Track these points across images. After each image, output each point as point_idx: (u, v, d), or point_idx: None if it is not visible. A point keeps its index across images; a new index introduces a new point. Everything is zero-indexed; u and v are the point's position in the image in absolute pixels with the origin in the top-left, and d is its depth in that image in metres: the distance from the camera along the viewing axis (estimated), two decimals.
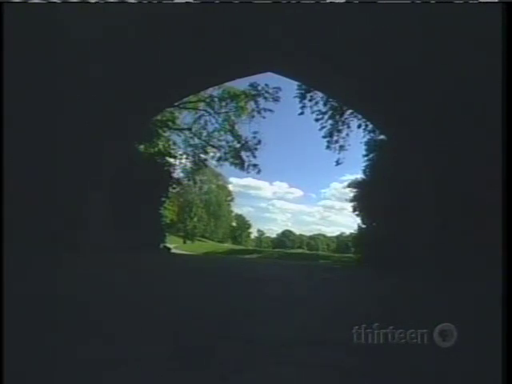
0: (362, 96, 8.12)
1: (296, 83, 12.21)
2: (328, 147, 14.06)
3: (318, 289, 5.17)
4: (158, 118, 13.95)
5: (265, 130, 33.53)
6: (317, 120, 13.61)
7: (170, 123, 16.36)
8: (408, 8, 5.44)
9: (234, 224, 61.36)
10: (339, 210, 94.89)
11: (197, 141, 18.24)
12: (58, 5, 5.54)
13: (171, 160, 15.80)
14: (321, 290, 5.08)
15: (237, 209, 62.69)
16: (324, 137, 13.95)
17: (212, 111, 17.33)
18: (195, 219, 42.55)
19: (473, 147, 6.28)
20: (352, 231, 17.02)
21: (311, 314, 3.19)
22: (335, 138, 13.85)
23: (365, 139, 12.50)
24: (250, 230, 68.24)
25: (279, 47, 7.09)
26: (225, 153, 18.21)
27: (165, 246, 14.25)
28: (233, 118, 17.52)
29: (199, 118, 17.73)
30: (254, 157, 17.85)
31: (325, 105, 13.26)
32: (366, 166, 11.76)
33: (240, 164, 18.07)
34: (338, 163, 14.33)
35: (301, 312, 3.25)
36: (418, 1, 5.39)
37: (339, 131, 13.77)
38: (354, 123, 13.26)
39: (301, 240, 74.76)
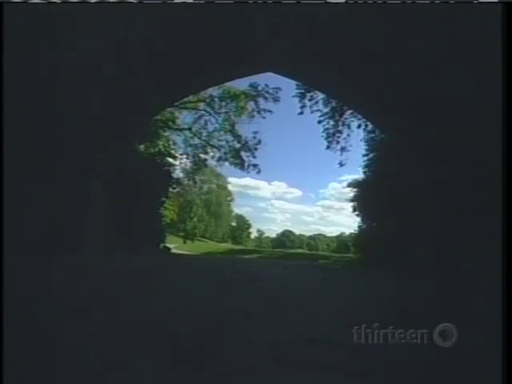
0: (362, 96, 8.12)
1: (296, 83, 12.21)
2: (328, 147, 14.08)
3: (317, 289, 5.16)
4: (158, 117, 13.95)
5: (265, 130, 33.57)
6: (319, 122, 13.61)
7: (170, 123, 16.37)
8: (408, 8, 5.44)
9: (233, 224, 61.35)
10: (338, 210, 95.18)
11: (197, 141, 18.29)
12: (58, 5, 5.54)
13: (171, 160, 15.84)
14: (321, 290, 5.08)
15: (236, 209, 62.78)
16: (324, 137, 13.97)
17: (212, 111, 17.36)
18: (195, 219, 42.52)
19: (473, 147, 6.29)
20: (352, 231, 17.07)
21: (311, 314, 3.18)
22: (336, 138, 13.84)
23: (364, 139, 12.53)
24: (250, 230, 68.33)
25: (279, 47, 7.10)
26: (225, 153, 18.25)
27: (165, 246, 14.27)
28: (233, 118, 17.55)
29: (199, 117, 17.79)
30: (254, 157, 17.92)
31: (325, 105, 13.26)
32: (365, 166, 11.78)
33: (240, 164, 18.10)
34: (341, 165, 14.32)
35: (301, 312, 3.25)
36: (418, 1, 5.39)
37: (339, 132, 13.76)
38: (354, 123, 13.27)
39: (301, 240, 74.70)
